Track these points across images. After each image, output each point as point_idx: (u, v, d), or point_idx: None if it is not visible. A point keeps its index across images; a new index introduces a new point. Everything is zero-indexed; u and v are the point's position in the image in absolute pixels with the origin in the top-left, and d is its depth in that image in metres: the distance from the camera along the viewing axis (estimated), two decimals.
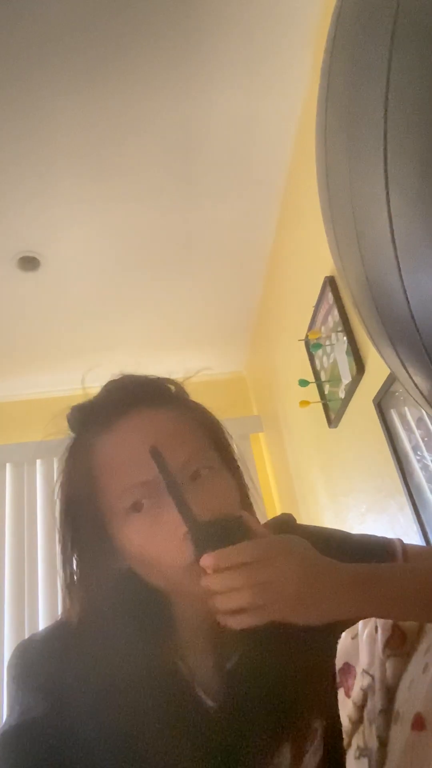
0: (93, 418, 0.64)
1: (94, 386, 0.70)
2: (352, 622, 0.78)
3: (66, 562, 0.63)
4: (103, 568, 0.61)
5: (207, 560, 0.51)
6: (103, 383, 0.69)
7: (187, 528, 0.53)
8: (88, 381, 0.73)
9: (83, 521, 0.61)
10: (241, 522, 0.55)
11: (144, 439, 0.58)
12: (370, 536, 0.76)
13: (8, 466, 2.77)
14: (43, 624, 2.49)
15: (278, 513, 0.78)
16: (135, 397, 0.63)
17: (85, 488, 0.61)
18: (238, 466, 0.68)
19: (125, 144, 1.75)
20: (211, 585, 0.51)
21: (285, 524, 0.73)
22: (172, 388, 0.68)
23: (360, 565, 0.56)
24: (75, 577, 0.63)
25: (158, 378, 0.68)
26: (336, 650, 0.74)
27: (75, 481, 0.63)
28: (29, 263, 2.14)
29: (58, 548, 0.64)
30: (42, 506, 2.72)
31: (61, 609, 0.65)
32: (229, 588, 0.50)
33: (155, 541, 0.57)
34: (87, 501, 0.61)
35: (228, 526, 0.54)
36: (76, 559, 0.63)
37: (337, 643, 0.73)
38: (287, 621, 0.52)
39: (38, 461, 2.78)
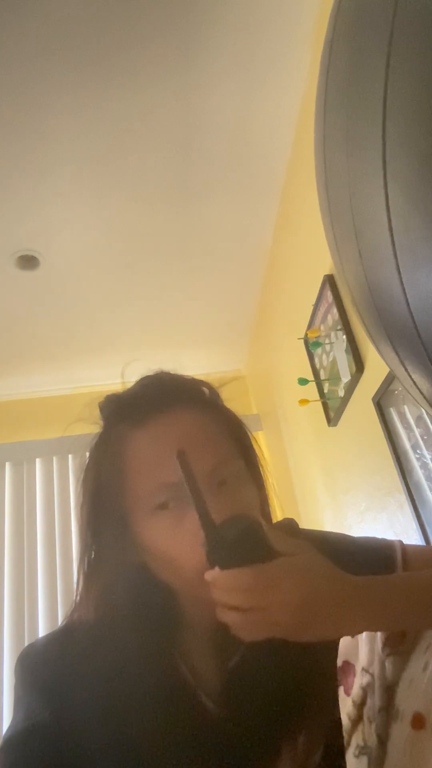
0: (127, 411, 0.64)
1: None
2: None
3: (85, 550, 0.63)
4: (120, 560, 0.61)
5: (207, 578, 0.53)
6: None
7: (204, 532, 0.53)
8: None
9: (107, 512, 0.62)
10: (258, 527, 0.55)
11: (177, 440, 0.58)
12: (372, 540, 0.75)
13: (8, 465, 2.77)
14: (42, 622, 2.50)
15: (277, 511, 0.77)
16: (171, 396, 0.63)
17: (113, 480, 0.61)
18: (262, 477, 0.68)
19: (124, 143, 1.75)
20: (213, 596, 0.53)
21: (287, 530, 0.73)
22: (206, 391, 0.69)
23: (367, 582, 0.55)
24: (92, 566, 0.63)
25: (194, 379, 0.69)
26: (337, 651, 0.73)
27: (103, 471, 0.63)
28: (28, 262, 2.13)
29: (76, 536, 0.64)
30: (41, 505, 2.73)
31: (77, 596, 0.64)
32: (227, 606, 0.51)
33: (175, 541, 0.58)
34: (113, 492, 0.61)
35: (244, 532, 0.54)
36: (95, 549, 0.63)
37: (338, 644, 0.73)
38: (286, 639, 0.52)
39: (37, 460, 2.79)
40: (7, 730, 0.57)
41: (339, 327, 1.59)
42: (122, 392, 0.67)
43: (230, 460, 0.61)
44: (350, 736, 0.76)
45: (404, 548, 0.72)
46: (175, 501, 0.58)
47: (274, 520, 0.72)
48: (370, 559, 0.70)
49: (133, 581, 0.62)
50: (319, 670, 0.67)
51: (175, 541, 0.58)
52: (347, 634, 0.56)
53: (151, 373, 0.68)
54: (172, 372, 0.68)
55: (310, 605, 0.50)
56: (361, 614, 0.54)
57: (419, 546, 0.76)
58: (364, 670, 0.78)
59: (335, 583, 0.53)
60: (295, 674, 0.61)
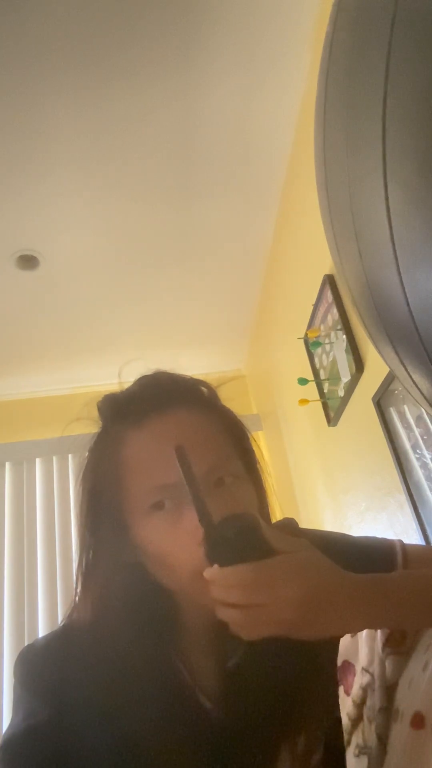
0: (126, 411, 0.64)
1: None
2: None
3: (84, 550, 0.63)
4: (118, 560, 0.61)
5: (206, 575, 0.52)
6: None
7: (202, 528, 0.53)
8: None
9: (105, 511, 0.62)
10: (256, 525, 0.55)
11: (174, 440, 0.57)
12: (372, 539, 0.75)
13: (8, 465, 2.77)
14: (42, 622, 2.50)
15: (277, 511, 0.77)
16: (169, 396, 0.63)
17: (111, 480, 0.61)
18: (261, 477, 0.68)
19: (124, 143, 1.75)
20: (212, 593, 0.52)
21: (287, 529, 0.73)
22: (205, 390, 0.68)
23: (367, 579, 0.55)
24: (90, 566, 0.63)
25: (192, 379, 0.68)
26: (337, 650, 0.73)
27: (101, 471, 0.63)
28: (28, 262, 2.13)
29: (75, 535, 0.64)
30: (41, 504, 2.73)
31: (75, 596, 0.64)
32: (226, 603, 0.51)
33: (172, 541, 0.58)
34: (111, 492, 0.61)
35: (243, 530, 0.53)
36: (93, 549, 0.63)
37: (338, 643, 0.73)
38: (287, 637, 0.52)
39: (37, 460, 2.79)
40: (7, 730, 0.57)
41: (339, 327, 1.59)
42: (120, 392, 0.67)
43: (228, 460, 0.61)
44: (350, 736, 0.76)
45: (404, 548, 0.72)
46: (172, 501, 0.58)
47: (274, 521, 0.72)
48: (370, 558, 0.70)
49: (131, 581, 0.62)
50: (318, 669, 0.67)
51: (172, 541, 0.58)
52: (348, 632, 0.56)
53: (149, 372, 0.68)
54: (170, 371, 0.68)
55: (312, 601, 0.50)
56: (361, 611, 0.54)
57: (419, 546, 0.76)
58: (364, 669, 0.78)
59: (336, 579, 0.53)
60: (295, 674, 0.61)
